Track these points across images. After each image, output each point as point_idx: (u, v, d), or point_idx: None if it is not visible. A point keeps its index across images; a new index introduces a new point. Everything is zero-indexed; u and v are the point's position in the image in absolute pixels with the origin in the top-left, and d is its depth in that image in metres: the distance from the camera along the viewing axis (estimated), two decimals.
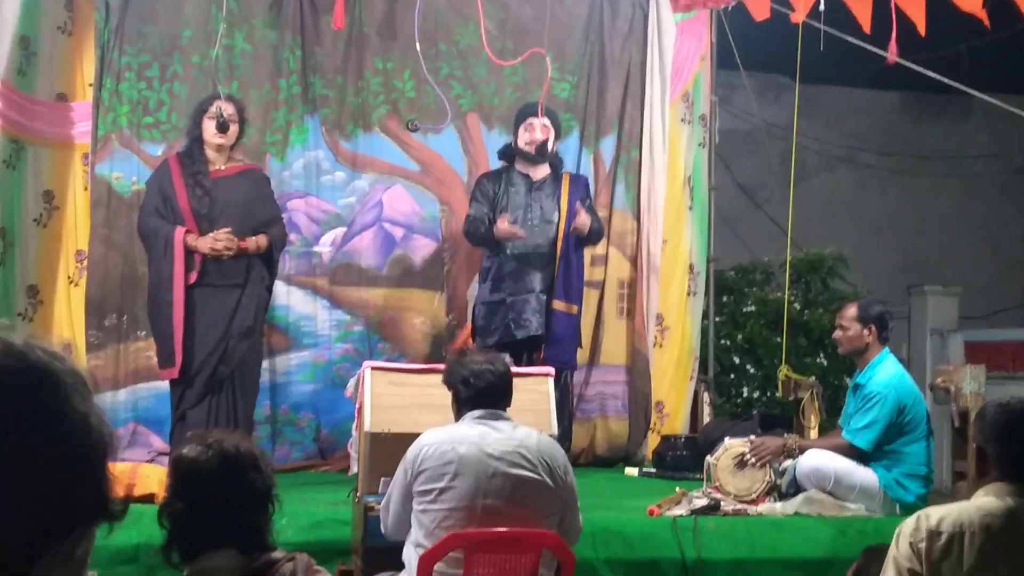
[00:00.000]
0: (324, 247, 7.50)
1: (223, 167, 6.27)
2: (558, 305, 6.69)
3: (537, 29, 7.45)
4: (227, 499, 2.66)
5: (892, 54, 6.82)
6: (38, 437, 1.37)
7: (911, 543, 3.13)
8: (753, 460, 5.74)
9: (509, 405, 4.22)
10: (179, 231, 6.02)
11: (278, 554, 2.67)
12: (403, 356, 7.34)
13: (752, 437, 5.93)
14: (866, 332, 5.85)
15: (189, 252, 6.00)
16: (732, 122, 11.35)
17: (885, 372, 5.77)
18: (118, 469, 5.50)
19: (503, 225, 6.62)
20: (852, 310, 5.94)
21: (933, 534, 3.11)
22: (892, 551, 3.18)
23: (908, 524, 3.20)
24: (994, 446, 3.22)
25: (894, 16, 6.77)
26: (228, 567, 2.61)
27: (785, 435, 5.94)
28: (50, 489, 1.38)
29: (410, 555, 4.09)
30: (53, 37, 7.31)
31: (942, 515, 3.15)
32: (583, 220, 6.71)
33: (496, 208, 6.78)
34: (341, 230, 7.53)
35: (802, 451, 5.76)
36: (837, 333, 5.98)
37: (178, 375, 5.94)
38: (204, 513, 2.64)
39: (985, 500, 3.18)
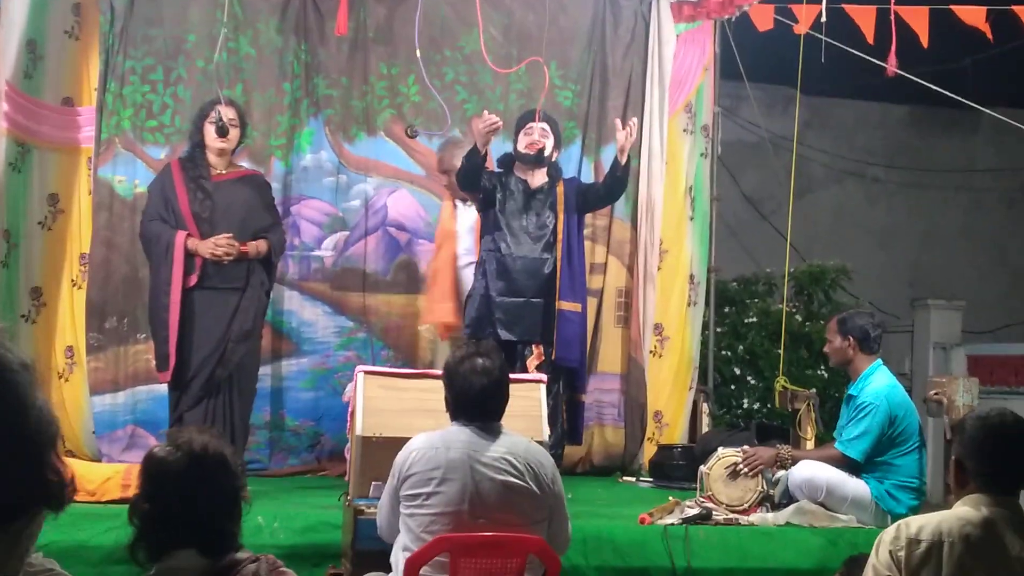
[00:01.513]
0: (326, 251, 7.52)
1: (224, 171, 6.30)
2: (562, 305, 6.66)
3: (541, 37, 7.47)
4: (194, 499, 2.63)
5: (892, 66, 6.84)
6: None
7: (891, 551, 3.15)
8: (745, 470, 5.75)
9: (503, 412, 4.22)
10: (180, 235, 6.05)
11: (243, 555, 2.65)
12: (407, 363, 7.33)
13: (745, 447, 5.94)
14: (846, 344, 5.90)
15: (190, 256, 6.03)
16: (739, 133, 11.36)
17: (877, 383, 5.79)
18: (114, 469, 5.57)
19: (477, 124, 6.51)
20: (832, 323, 6.04)
21: (912, 542, 3.12)
22: (872, 559, 3.20)
23: (888, 532, 3.22)
24: (972, 461, 3.23)
25: (894, 28, 6.79)
26: (191, 567, 2.58)
27: (778, 445, 5.94)
28: None
29: (397, 558, 4.11)
30: (60, 41, 7.36)
31: (922, 524, 3.16)
32: (628, 138, 6.61)
33: (489, 202, 6.72)
34: (344, 234, 7.55)
35: (795, 461, 5.77)
36: (825, 347, 6.08)
37: (173, 378, 5.98)
38: (170, 513, 2.61)
39: (963, 510, 3.19)
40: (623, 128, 6.59)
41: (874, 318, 6.06)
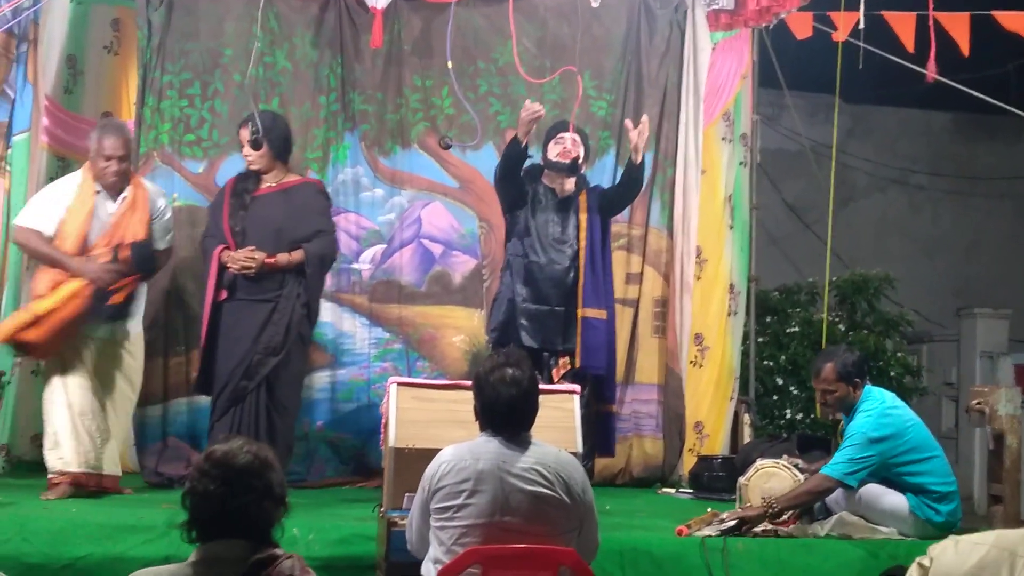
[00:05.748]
0: (364, 264, 7.53)
1: (274, 184, 6.38)
2: (587, 312, 6.62)
3: (574, 47, 7.44)
4: (251, 492, 2.89)
5: (931, 72, 6.76)
6: None
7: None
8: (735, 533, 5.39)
9: (532, 422, 4.19)
10: (217, 248, 6.14)
11: (279, 551, 2.89)
12: (442, 374, 7.32)
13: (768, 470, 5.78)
14: (851, 389, 5.62)
15: (224, 268, 6.08)
16: (781, 142, 11.29)
17: (865, 410, 5.58)
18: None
19: (523, 112, 6.46)
20: (829, 371, 5.63)
21: (920, 567, 3.02)
22: None
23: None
24: None
25: (933, 35, 6.72)
26: (236, 556, 2.84)
27: (763, 499, 5.55)
28: None
29: (428, 571, 4.09)
30: (99, 56, 7.50)
31: (940, 549, 3.04)
32: (639, 135, 6.54)
33: (519, 202, 6.70)
34: (380, 247, 7.56)
35: (783, 511, 5.47)
36: (823, 399, 5.72)
37: (204, 388, 6.04)
38: (227, 502, 2.87)
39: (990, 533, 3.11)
40: (634, 128, 6.56)
41: (852, 346, 5.79)
